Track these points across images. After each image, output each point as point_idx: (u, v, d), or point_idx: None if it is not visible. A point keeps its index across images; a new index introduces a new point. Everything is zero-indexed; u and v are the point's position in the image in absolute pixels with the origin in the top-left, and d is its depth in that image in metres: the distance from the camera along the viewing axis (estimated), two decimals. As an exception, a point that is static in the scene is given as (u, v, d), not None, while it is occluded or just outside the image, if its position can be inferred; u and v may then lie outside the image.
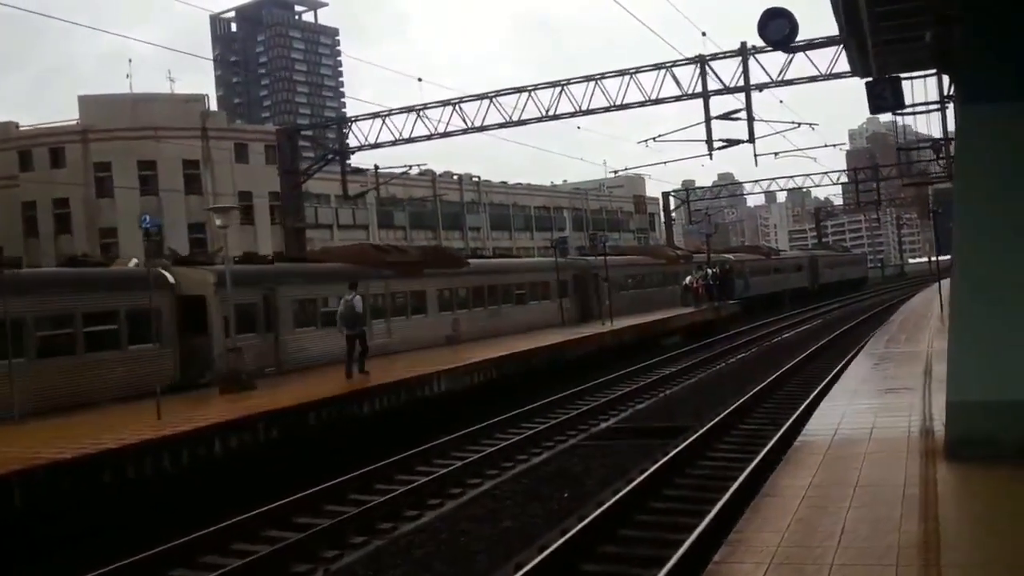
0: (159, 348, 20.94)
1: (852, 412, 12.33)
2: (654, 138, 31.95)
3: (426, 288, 29.62)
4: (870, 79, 10.99)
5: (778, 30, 8.41)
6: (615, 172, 44.86)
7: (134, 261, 25.95)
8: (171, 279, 21.70)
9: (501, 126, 32.64)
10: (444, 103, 33.51)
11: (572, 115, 31.87)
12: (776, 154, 43.99)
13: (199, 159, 53.01)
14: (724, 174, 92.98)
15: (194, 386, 21.01)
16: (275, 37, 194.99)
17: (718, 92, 29.98)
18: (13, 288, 17.68)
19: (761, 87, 29.70)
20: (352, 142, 34.99)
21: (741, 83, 29.26)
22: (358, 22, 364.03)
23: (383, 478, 15.54)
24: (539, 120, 32.16)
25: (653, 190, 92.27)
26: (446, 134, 33.67)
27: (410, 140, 33.95)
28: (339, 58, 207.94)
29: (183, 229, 51.61)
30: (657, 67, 30.76)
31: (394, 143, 33.96)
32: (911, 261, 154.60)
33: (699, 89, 29.81)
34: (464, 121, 32.85)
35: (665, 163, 64.37)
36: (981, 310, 8.01)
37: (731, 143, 29.82)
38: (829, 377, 21.17)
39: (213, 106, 64.29)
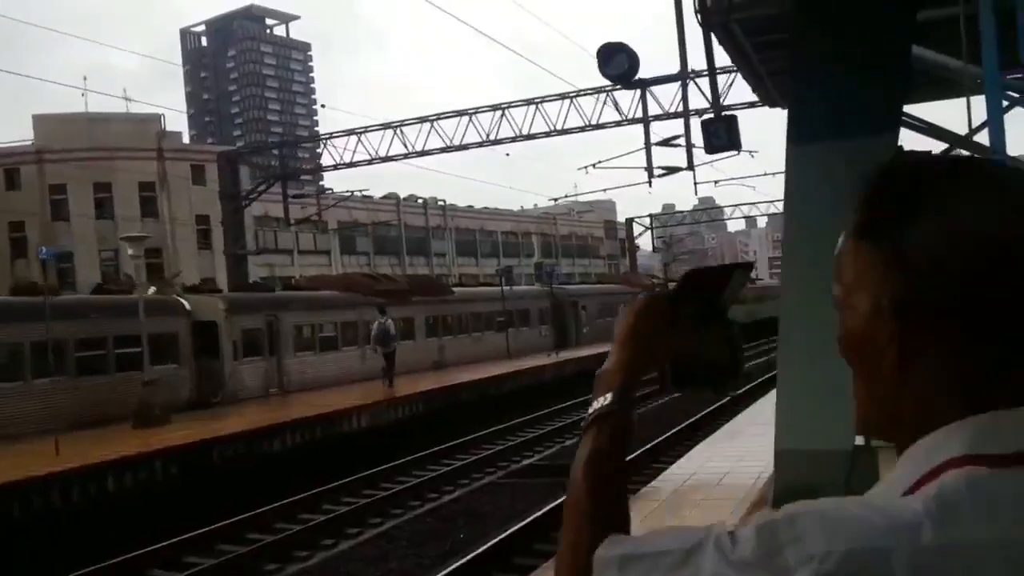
0: (177, 369, 22.62)
1: (719, 456, 12.07)
2: (594, 165, 31.60)
3: (414, 315, 30.88)
4: (708, 117, 10.83)
5: (617, 65, 8.16)
6: (555, 200, 43.94)
7: (152, 289, 26.75)
8: (187, 306, 23.49)
9: (442, 150, 32.35)
10: (422, 119, 32.90)
11: (513, 140, 31.55)
12: (716, 182, 43.74)
13: (155, 181, 52.34)
14: (705, 198, 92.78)
15: (207, 404, 22.72)
16: (246, 52, 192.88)
17: (658, 117, 29.74)
18: (55, 313, 19.01)
19: (701, 112, 29.51)
20: (327, 160, 34.25)
21: (681, 108, 29.08)
22: (331, 37, 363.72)
23: (284, 516, 15.09)
24: (480, 145, 31.81)
25: (629, 215, 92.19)
26: (422, 153, 32.90)
27: (387, 159, 33.06)
28: (311, 74, 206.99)
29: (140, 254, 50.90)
30: (597, 91, 30.52)
31: (346, 166, 33.39)
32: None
33: (639, 114, 29.57)
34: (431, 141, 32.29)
35: (605, 190, 63.14)
36: (804, 356, 7.87)
37: (670, 171, 29.56)
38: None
39: (176, 126, 63.53)
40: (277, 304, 26.31)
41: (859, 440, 7.88)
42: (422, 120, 32.55)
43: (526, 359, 32.94)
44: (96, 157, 50.70)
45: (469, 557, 10.93)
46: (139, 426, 18.80)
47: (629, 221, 69.10)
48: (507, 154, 32.63)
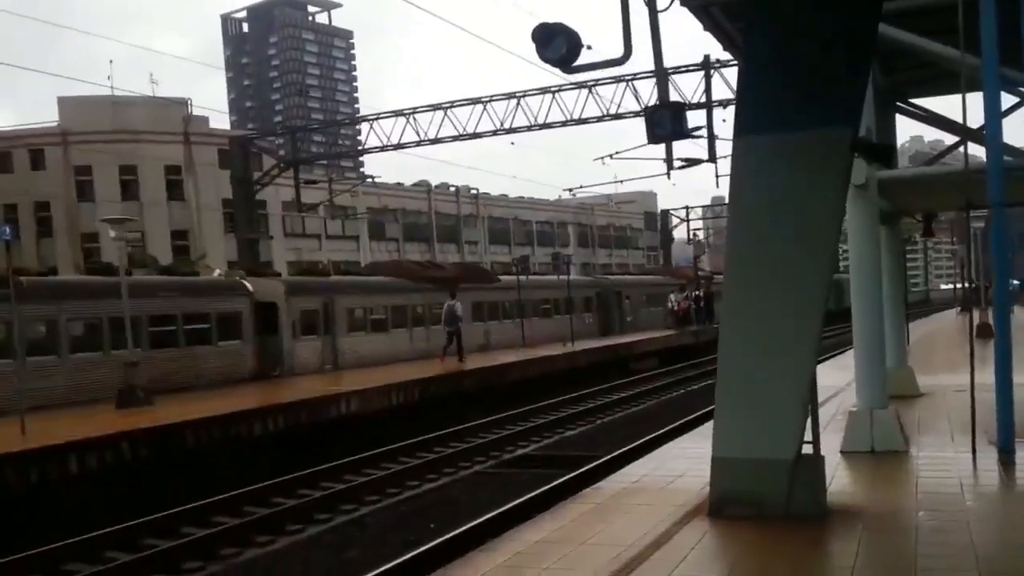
0: (241, 344, 24.45)
1: (682, 456, 10.75)
2: (611, 155, 30.21)
3: (461, 301, 31.41)
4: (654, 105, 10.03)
5: (556, 49, 7.01)
6: (570, 191, 42.76)
7: (217, 272, 29.82)
8: (251, 288, 25.23)
9: (455, 138, 31.16)
10: (434, 107, 31.81)
11: (528, 128, 30.25)
12: None
13: (181, 164, 51.85)
14: None
15: (267, 377, 24.64)
16: (288, 39, 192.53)
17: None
18: (132, 292, 20.09)
19: (724, 102, 28.03)
20: (373, 142, 32.91)
21: (704, 99, 27.63)
22: (373, 24, 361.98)
23: (256, 500, 14.02)
24: (494, 134, 30.55)
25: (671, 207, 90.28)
26: (436, 140, 31.83)
27: (398, 147, 32.39)
28: (353, 62, 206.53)
29: (166, 236, 50.46)
30: (617, 80, 29.12)
31: (382, 148, 32.28)
32: (942, 287, 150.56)
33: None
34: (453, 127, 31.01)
35: (621, 181, 62.13)
36: (741, 360, 7.09)
37: (691, 163, 28.16)
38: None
39: (216, 112, 62.80)
40: (332, 288, 28.14)
41: (806, 448, 6.90)
42: (435, 108, 31.37)
43: (546, 348, 32.96)
44: (121, 140, 50.24)
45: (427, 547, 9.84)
46: (122, 407, 17.85)
47: (664, 212, 67.40)
48: (512, 143, 31.15)
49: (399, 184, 68.23)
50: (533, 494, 12.26)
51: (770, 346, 6.89)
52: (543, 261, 67.34)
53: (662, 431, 17.21)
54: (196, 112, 54.16)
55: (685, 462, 10.12)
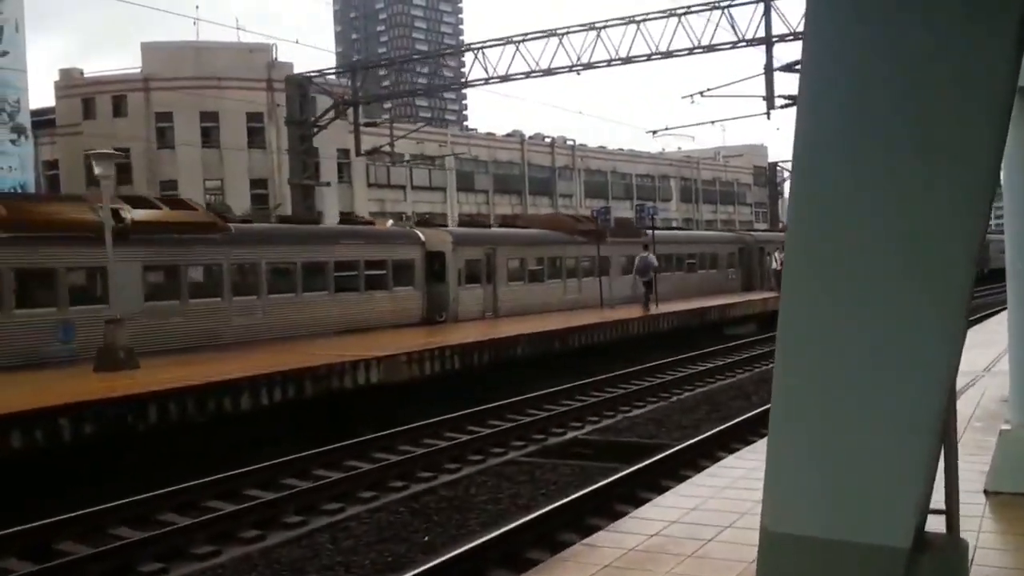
0: (412, 291, 25.56)
1: (731, 489, 7.49)
2: (701, 93, 26.53)
3: (611, 254, 32.59)
4: None
5: None
6: (653, 132, 38.90)
7: (390, 223, 31.60)
8: (422, 237, 26.38)
9: (527, 75, 27.82)
10: (506, 40, 28.50)
11: (608, 63, 26.72)
12: None
13: (263, 112, 50.15)
14: None
15: (434, 322, 25.74)
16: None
17: (784, 37, 24.48)
18: (320, 239, 23.38)
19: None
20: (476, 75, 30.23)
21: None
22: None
23: (227, 493, 11.45)
24: (569, 69, 27.16)
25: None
26: (505, 78, 28.69)
27: (465, 84, 29.75)
28: (460, 15, 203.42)
29: (245, 185, 48.91)
30: (711, 6, 25.40)
31: (478, 82, 29.02)
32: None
33: (760, 34, 24.36)
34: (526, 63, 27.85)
35: (713, 123, 56.70)
36: (820, 378, 3.56)
37: (795, 101, 24.46)
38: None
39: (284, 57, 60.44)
40: (494, 239, 29.05)
41: (933, 524, 3.67)
42: (506, 41, 28.10)
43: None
44: (203, 86, 48.82)
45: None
46: (101, 369, 15.44)
47: (772, 166, 62.88)
48: (577, 72, 27.11)
49: (490, 134, 65.41)
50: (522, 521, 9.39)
51: (876, 355, 3.60)
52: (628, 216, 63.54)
53: (729, 423, 14.11)
54: (302, 47, 52.38)
55: (734, 502, 6.96)
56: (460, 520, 10.00)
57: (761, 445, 9.29)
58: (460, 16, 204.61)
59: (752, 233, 48.56)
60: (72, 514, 9.85)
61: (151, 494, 10.51)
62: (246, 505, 10.35)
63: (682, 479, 11.20)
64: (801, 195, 3.83)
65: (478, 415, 15.99)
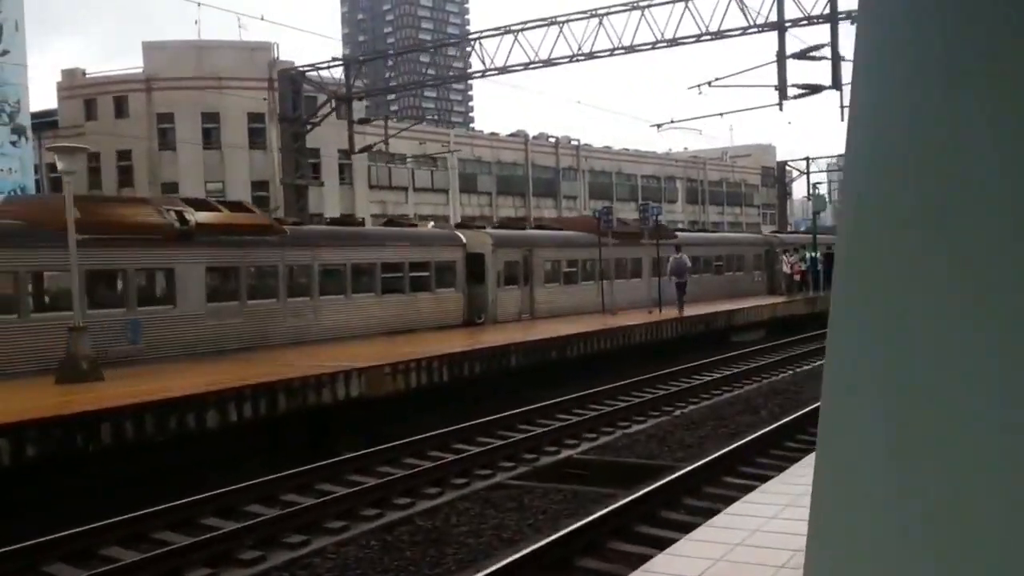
0: (454, 292, 25.86)
1: (752, 548, 6.47)
2: (709, 83, 25.37)
3: (642, 256, 32.80)
4: None
5: None
6: (658, 126, 37.54)
7: (431, 224, 32.13)
8: (464, 239, 26.59)
9: (525, 66, 26.76)
10: (504, 30, 27.25)
11: (611, 52, 25.65)
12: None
13: (265, 112, 49.36)
14: None
15: (474, 324, 25.91)
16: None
17: (798, 22, 23.46)
18: (369, 241, 23.91)
19: (854, 15, 23.07)
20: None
21: (827, 10, 22.78)
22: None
23: (181, 523, 10.52)
24: (570, 59, 26.10)
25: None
26: (504, 69, 27.63)
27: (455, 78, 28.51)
28: (467, 16, 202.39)
29: (246, 186, 48.08)
30: (719, -12, 24.20)
31: (480, 73, 28.11)
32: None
33: (773, 18, 23.34)
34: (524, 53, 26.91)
35: (722, 115, 55.28)
36: (878, 381, 2.01)
37: (810, 90, 23.46)
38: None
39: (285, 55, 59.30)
40: (531, 241, 29.22)
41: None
42: (504, 31, 27.07)
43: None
44: (204, 86, 48.22)
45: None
46: (63, 381, 14.48)
47: (781, 165, 61.68)
48: (579, 62, 25.91)
49: (494, 134, 64.49)
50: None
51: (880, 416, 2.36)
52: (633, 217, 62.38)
53: (743, 441, 13.15)
54: (308, 49, 51.51)
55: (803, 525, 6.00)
56: (435, 557, 9.10)
57: (774, 486, 8.32)
58: (467, 17, 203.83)
59: (778, 235, 48.78)
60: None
61: (92, 526, 9.60)
62: (201, 538, 9.43)
63: (684, 509, 10.31)
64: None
65: (466, 431, 15.07)
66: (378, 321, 23.05)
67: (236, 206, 22.47)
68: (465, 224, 31.05)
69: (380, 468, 12.77)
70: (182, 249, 17.93)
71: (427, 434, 14.40)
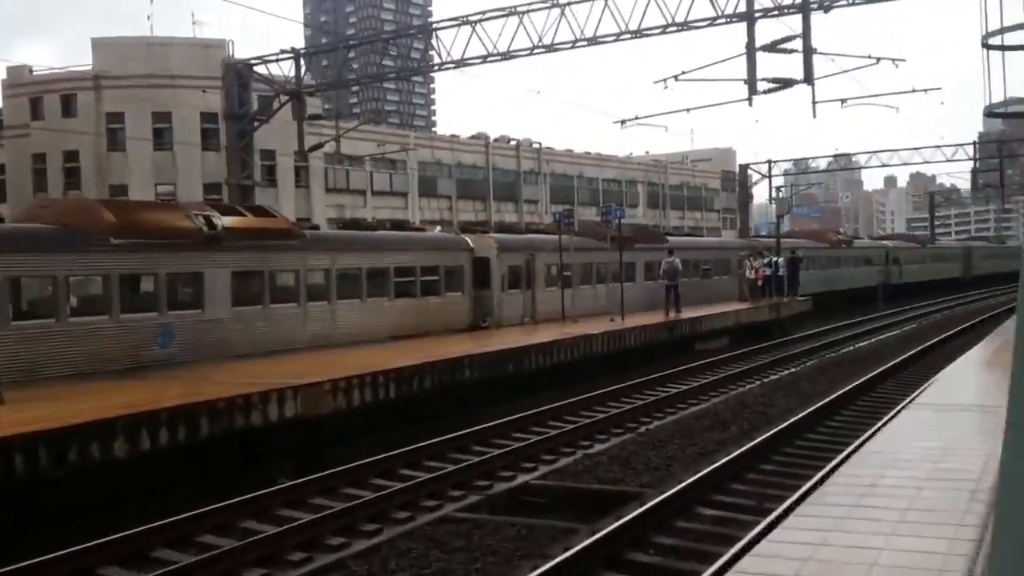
0: (461, 296, 26.22)
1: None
2: (676, 76, 24.44)
3: (635, 260, 33.46)
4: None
5: None
6: (622, 122, 36.45)
7: (438, 229, 32.83)
8: (471, 244, 26.82)
9: (483, 59, 25.59)
10: (462, 21, 26.08)
11: (573, 44, 24.52)
12: (843, 101, 34.58)
13: (219, 111, 47.81)
14: (841, 156, 79.14)
15: (478, 328, 26.11)
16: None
17: (767, 12, 22.55)
18: (384, 245, 24.16)
19: (827, 5, 22.11)
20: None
21: (799, 0, 21.90)
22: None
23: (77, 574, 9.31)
24: (530, 52, 24.98)
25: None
26: (461, 62, 26.30)
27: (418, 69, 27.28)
28: (430, 7, 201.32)
29: (198, 188, 46.51)
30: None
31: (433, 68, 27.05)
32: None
33: (742, 8, 22.38)
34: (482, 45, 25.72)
35: (688, 111, 51.91)
36: None
37: (781, 84, 22.59)
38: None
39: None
40: (533, 245, 29.46)
41: None
42: (461, 22, 25.89)
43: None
44: (155, 84, 46.61)
45: None
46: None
47: (744, 168, 61.06)
48: (539, 54, 24.72)
49: (454, 136, 63.36)
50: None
51: None
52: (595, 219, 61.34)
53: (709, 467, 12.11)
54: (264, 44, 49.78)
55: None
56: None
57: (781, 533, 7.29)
58: (429, 8, 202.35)
59: (762, 239, 50.15)
60: None
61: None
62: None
63: (654, 549, 9.25)
64: None
65: (413, 455, 13.89)
66: (390, 325, 23.37)
67: (258, 210, 22.46)
68: (467, 228, 31.12)
69: (314, 500, 11.56)
70: (208, 253, 18.38)
71: (370, 459, 13.21)
